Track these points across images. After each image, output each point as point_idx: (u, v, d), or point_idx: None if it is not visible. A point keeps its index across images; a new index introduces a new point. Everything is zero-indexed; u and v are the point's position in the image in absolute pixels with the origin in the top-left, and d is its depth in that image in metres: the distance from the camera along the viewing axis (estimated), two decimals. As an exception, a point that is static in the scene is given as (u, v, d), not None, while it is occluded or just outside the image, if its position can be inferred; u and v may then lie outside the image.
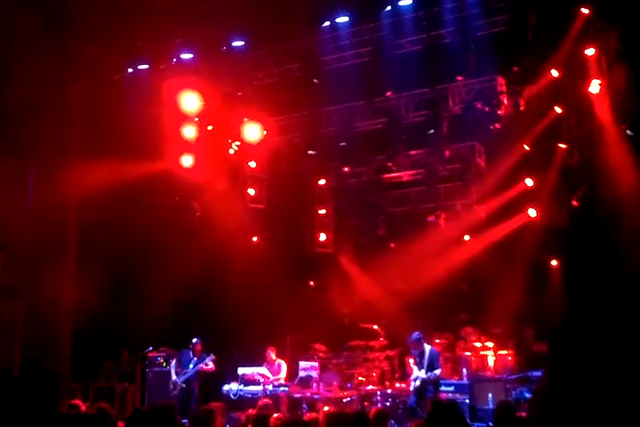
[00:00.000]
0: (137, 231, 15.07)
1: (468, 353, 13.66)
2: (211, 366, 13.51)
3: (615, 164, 11.81)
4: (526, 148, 13.18)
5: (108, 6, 12.76)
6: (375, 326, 14.51)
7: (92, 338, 14.39)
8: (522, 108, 12.73)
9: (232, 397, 13.96)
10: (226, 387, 14.16)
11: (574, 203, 12.79)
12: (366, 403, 13.20)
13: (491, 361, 13.41)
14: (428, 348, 12.25)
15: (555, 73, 12.48)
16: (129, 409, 13.38)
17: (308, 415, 7.92)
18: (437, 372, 12.03)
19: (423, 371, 12.04)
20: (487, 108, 13.08)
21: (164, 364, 14.49)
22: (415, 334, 12.36)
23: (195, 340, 13.70)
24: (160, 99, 14.82)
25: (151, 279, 15.26)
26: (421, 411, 11.60)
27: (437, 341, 13.82)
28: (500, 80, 12.97)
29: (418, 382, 12.09)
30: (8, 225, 13.41)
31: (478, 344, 13.76)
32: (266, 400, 9.98)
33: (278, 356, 14.41)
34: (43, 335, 13.44)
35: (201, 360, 13.48)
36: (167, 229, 15.61)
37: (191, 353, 13.67)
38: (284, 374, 14.14)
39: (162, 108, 14.88)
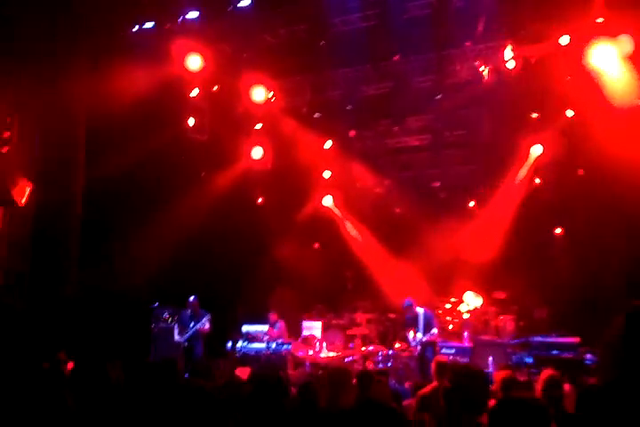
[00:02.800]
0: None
1: (470, 317, 13.95)
2: (207, 326, 13.68)
3: (622, 133, 11.82)
4: (534, 115, 13.20)
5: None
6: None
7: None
8: (530, 75, 12.69)
9: (236, 354, 14.28)
10: (230, 344, 14.46)
11: (580, 172, 12.90)
12: (368, 362, 13.53)
13: (492, 325, 13.71)
14: (421, 311, 12.54)
15: (565, 39, 12.38)
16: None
17: None
18: (435, 330, 12.33)
19: (419, 333, 12.35)
20: (495, 74, 13.04)
21: (170, 320, 14.69)
22: (407, 301, 12.65)
23: (192, 298, 13.85)
24: (167, 59, 14.68)
25: (152, 231, 15.29)
26: (424, 377, 11.88)
27: (440, 312, 14.04)
28: (509, 46, 12.85)
29: (419, 347, 12.40)
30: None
31: (480, 309, 14.05)
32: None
33: (280, 317, 14.70)
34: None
35: (200, 319, 13.67)
36: (171, 187, 15.62)
37: (189, 311, 13.87)
38: (283, 333, 14.47)
39: (168, 68, 14.74)
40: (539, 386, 6.18)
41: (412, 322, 12.58)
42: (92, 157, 14.58)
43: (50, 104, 13.67)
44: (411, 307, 12.55)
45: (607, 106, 11.91)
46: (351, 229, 16.37)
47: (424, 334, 12.34)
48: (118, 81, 14.02)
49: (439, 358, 8.44)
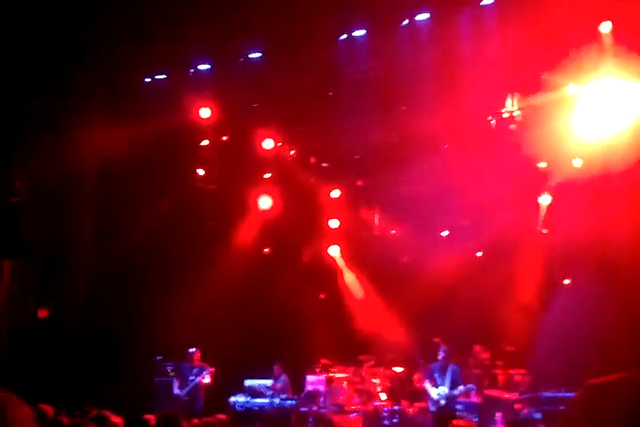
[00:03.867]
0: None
1: (478, 371, 13.49)
2: (207, 379, 13.39)
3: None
4: (542, 165, 13.13)
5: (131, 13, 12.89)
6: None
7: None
8: (537, 124, 12.63)
9: (238, 409, 13.91)
10: (232, 399, 14.11)
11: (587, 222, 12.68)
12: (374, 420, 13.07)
13: (501, 380, 13.22)
14: (450, 365, 12.12)
15: (572, 89, 12.26)
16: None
17: None
18: (461, 388, 11.85)
19: (444, 388, 11.78)
20: (501, 123, 13.02)
21: (171, 373, 14.38)
22: (445, 348, 12.21)
23: (192, 350, 13.64)
24: (178, 109, 14.86)
25: (160, 286, 15.16)
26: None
27: None
28: (516, 95, 12.83)
29: (443, 401, 11.81)
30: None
31: (488, 362, 13.60)
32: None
33: (284, 370, 14.37)
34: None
35: (200, 371, 13.40)
36: (182, 236, 15.54)
37: (189, 364, 13.62)
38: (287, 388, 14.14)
39: (180, 119, 14.88)
40: None
41: (438, 372, 12.08)
42: (102, 206, 14.66)
43: (62, 157, 13.82)
44: (445, 356, 12.12)
45: (615, 155, 11.74)
46: (352, 282, 16.16)
47: (451, 388, 11.82)
48: (129, 132, 14.22)
49: (456, 422, 7.83)
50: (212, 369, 13.48)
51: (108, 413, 7.78)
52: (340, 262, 16.26)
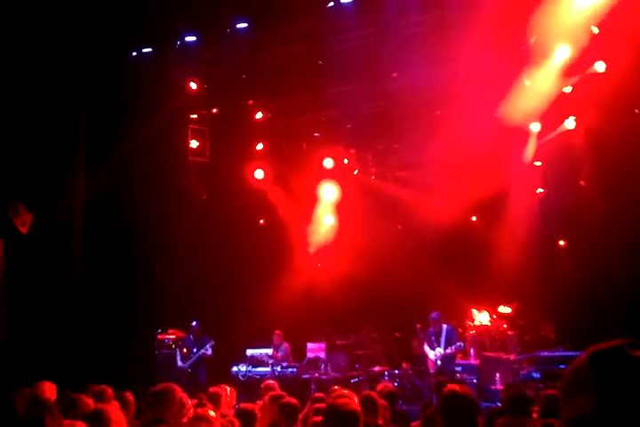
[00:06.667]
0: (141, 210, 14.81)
1: (476, 334, 13.69)
2: (209, 352, 13.53)
3: (623, 143, 11.70)
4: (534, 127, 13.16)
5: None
6: None
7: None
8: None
9: (241, 378, 14.06)
10: (234, 368, 14.27)
11: (581, 183, 12.78)
12: (375, 384, 13.26)
13: (498, 341, 13.45)
14: (444, 326, 12.31)
15: (565, 52, 12.30)
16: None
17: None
18: (460, 343, 12.08)
19: (440, 349, 12.03)
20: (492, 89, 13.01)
21: (173, 346, 14.51)
22: (435, 314, 12.37)
23: (194, 323, 13.74)
24: (166, 83, 14.75)
25: (155, 259, 15.19)
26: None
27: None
28: (506, 60, 12.82)
29: (439, 362, 12.05)
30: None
31: (486, 325, 13.80)
32: (270, 382, 10.01)
33: (286, 338, 14.50)
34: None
35: (202, 344, 13.52)
36: (174, 210, 15.53)
37: (192, 337, 13.74)
38: (288, 356, 14.29)
39: (168, 93, 14.78)
40: None
41: (434, 337, 12.30)
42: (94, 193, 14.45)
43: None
44: (437, 320, 12.30)
45: (607, 116, 11.81)
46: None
47: (445, 348, 12.04)
48: (118, 109, 14.13)
49: (451, 386, 7.97)
50: (213, 343, 13.58)
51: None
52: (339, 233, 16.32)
